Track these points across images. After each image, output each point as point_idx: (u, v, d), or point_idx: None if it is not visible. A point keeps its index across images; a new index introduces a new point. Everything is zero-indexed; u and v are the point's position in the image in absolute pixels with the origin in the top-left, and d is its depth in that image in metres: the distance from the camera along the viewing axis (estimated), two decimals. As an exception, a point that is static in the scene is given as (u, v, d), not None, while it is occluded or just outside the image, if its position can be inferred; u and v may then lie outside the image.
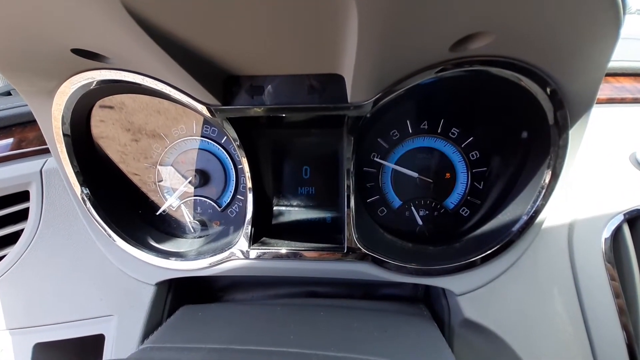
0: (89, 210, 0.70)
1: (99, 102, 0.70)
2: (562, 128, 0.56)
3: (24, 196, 0.76)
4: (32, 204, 0.75)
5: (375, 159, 0.74)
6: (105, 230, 0.71)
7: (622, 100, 0.77)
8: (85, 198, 0.70)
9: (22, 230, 0.76)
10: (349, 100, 0.55)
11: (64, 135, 0.65)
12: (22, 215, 0.76)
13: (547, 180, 0.60)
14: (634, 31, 1.06)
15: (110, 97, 0.70)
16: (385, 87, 0.53)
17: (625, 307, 0.61)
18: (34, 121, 0.67)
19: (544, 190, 0.61)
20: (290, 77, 0.56)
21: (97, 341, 0.73)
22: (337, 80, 0.55)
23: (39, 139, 0.78)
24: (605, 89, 0.78)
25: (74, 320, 0.75)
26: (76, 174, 0.68)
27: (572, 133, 0.56)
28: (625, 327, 0.60)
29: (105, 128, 0.73)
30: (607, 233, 0.64)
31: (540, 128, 0.58)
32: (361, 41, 0.37)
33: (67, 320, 0.75)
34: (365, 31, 0.35)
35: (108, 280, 0.74)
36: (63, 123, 0.64)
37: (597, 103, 0.74)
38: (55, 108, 0.62)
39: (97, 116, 0.71)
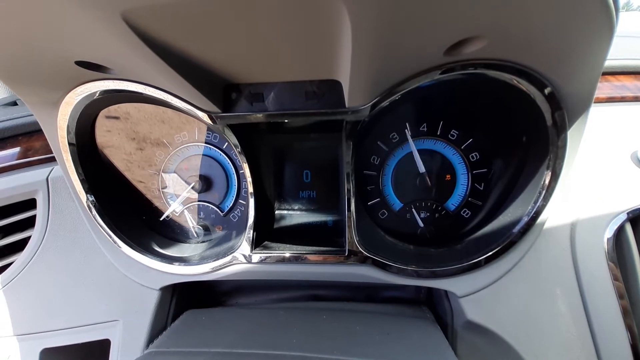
0: (94, 217, 0.72)
1: (105, 113, 0.71)
2: (560, 129, 0.56)
3: (31, 204, 0.77)
4: (39, 212, 0.76)
5: (375, 162, 0.75)
6: (110, 237, 0.73)
7: (623, 99, 0.76)
8: (91, 205, 0.71)
9: (29, 238, 0.77)
10: (346, 105, 0.55)
11: (69, 144, 0.67)
12: (29, 223, 0.78)
13: (547, 181, 0.60)
14: (634, 29, 1.05)
15: (116, 107, 0.71)
16: (382, 92, 0.54)
17: (629, 308, 0.60)
18: (40, 130, 0.69)
19: (544, 191, 0.60)
20: (289, 84, 0.57)
21: (103, 346, 0.74)
22: (334, 86, 0.56)
23: (45, 148, 0.80)
24: (606, 88, 0.78)
25: (80, 326, 0.76)
26: (81, 181, 0.70)
27: (571, 133, 0.56)
28: (629, 328, 0.60)
29: (112, 137, 0.74)
30: (609, 232, 0.63)
31: (539, 129, 0.58)
32: (355, 48, 0.38)
33: (74, 325, 0.76)
34: (358, 38, 0.36)
35: (113, 286, 0.75)
36: (68, 132, 0.65)
37: (597, 102, 0.74)
38: (61, 118, 0.64)
39: (103, 126, 0.73)
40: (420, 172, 0.72)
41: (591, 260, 0.63)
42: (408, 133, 0.71)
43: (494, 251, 0.64)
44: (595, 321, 0.61)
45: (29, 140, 0.83)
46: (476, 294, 0.65)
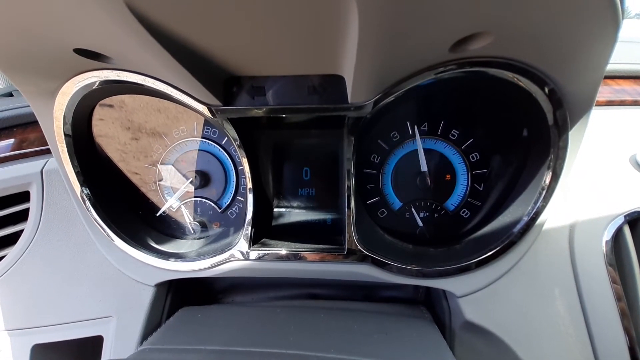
0: (88, 210, 0.70)
1: (99, 101, 0.70)
2: (561, 129, 0.56)
3: (24, 197, 0.76)
4: (33, 205, 0.75)
5: (375, 160, 0.75)
6: (104, 231, 0.71)
7: (622, 103, 0.77)
8: (85, 198, 0.70)
9: (22, 231, 0.76)
10: (349, 101, 0.55)
11: (65, 135, 0.65)
12: (23, 216, 0.76)
13: (547, 182, 0.60)
14: (633, 34, 1.06)
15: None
16: (386, 88, 0.54)
17: (627, 310, 0.60)
18: (36, 122, 0.67)
19: (544, 192, 0.60)
20: (291, 78, 0.56)
21: (95, 342, 0.73)
22: (337, 81, 0.55)
23: (40, 140, 0.79)
24: (605, 92, 0.78)
25: (72, 322, 0.74)
26: (77, 174, 0.68)
27: (572, 134, 0.57)
28: (627, 330, 0.60)
29: (105, 126, 0.73)
30: (607, 235, 0.63)
31: (540, 129, 0.58)
32: (362, 42, 0.37)
33: (66, 321, 0.74)
34: (365, 32, 0.36)
35: (107, 281, 0.74)
36: (64, 123, 0.64)
37: (597, 105, 0.75)
38: (57, 108, 0.62)
39: (96, 115, 0.72)
40: (422, 170, 0.71)
41: (589, 263, 0.63)
42: (416, 131, 0.70)
43: (493, 251, 0.64)
44: (593, 323, 0.61)
45: (24, 131, 0.82)
46: (475, 295, 0.65)
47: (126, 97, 0.71)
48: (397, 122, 0.72)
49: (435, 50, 0.46)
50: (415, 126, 0.71)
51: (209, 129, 0.76)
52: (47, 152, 0.76)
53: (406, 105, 0.71)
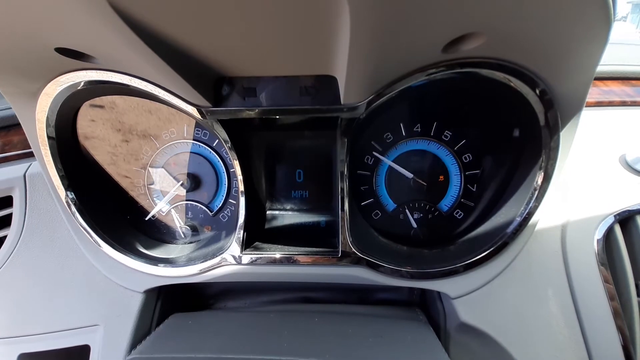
0: (73, 215, 0.68)
1: (89, 102, 0.68)
2: (553, 129, 0.56)
3: (7, 202, 0.73)
4: (15, 210, 0.73)
5: (369, 162, 0.74)
6: (91, 236, 0.69)
7: (610, 104, 0.78)
8: (70, 202, 0.67)
9: (4, 237, 0.73)
10: (342, 102, 0.54)
11: (49, 137, 0.63)
12: (5, 222, 0.74)
13: (539, 182, 0.60)
14: (621, 36, 1.09)
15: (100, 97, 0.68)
16: (378, 89, 0.53)
17: (620, 310, 0.61)
18: (18, 124, 0.65)
19: (536, 192, 0.61)
20: (283, 79, 0.55)
21: (83, 351, 0.70)
22: (330, 82, 0.54)
23: (24, 143, 0.76)
24: (594, 93, 0.79)
25: (58, 331, 0.72)
26: (61, 177, 0.66)
27: (563, 135, 0.57)
28: (620, 329, 0.60)
29: (96, 128, 0.71)
30: (599, 234, 0.64)
31: (532, 130, 0.58)
32: (353, 42, 0.37)
33: (52, 330, 0.72)
34: (357, 32, 0.35)
35: (94, 289, 0.71)
36: (48, 125, 0.62)
37: (586, 106, 0.75)
38: (40, 110, 0.60)
39: (87, 116, 0.70)
40: (408, 177, 0.72)
41: (582, 262, 0.64)
42: (379, 156, 0.73)
43: (486, 252, 0.64)
44: (586, 323, 0.61)
45: (6, 134, 0.79)
46: (469, 296, 0.65)
47: (117, 98, 0.69)
48: (390, 123, 0.72)
49: (427, 51, 0.46)
50: (374, 151, 0.73)
51: (199, 130, 0.75)
52: (31, 155, 0.73)
53: (399, 106, 0.70)
